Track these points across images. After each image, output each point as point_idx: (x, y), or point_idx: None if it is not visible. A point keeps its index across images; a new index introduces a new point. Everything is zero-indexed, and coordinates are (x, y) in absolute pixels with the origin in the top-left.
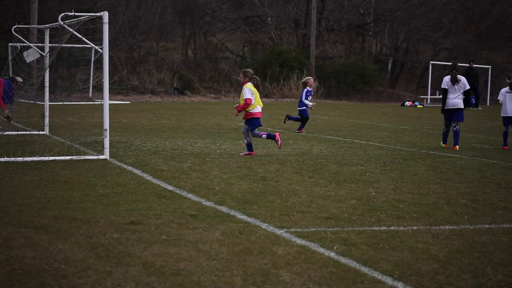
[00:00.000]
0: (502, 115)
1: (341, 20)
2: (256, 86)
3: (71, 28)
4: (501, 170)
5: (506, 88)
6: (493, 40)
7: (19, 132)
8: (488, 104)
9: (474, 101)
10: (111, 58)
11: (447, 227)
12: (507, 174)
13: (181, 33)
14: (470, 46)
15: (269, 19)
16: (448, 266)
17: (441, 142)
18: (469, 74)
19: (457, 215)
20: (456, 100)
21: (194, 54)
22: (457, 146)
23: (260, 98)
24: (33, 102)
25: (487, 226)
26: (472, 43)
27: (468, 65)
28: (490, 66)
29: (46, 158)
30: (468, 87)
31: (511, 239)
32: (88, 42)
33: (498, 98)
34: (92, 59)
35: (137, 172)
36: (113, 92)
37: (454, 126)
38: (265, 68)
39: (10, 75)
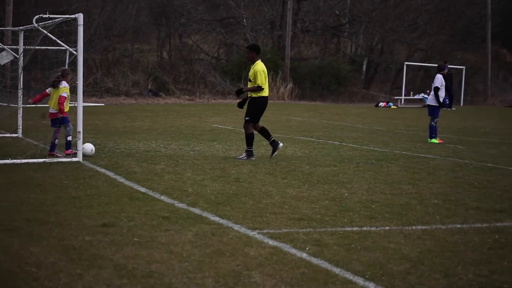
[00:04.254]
0: None
1: (316, 22)
2: None
3: (45, 30)
4: (474, 170)
5: None
6: (467, 40)
7: None
8: (461, 105)
9: (448, 102)
10: (85, 60)
11: (419, 227)
12: (479, 174)
13: (156, 34)
14: (445, 47)
15: (244, 20)
16: (419, 266)
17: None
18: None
19: (429, 215)
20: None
21: (169, 56)
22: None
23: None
24: (6, 104)
25: (459, 226)
26: (447, 44)
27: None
28: (464, 67)
29: (19, 161)
30: (434, 85)
31: (483, 239)
32: (63, 44)
33: None
34: (67, 61)
35: (110, 174)
36: (87, 95)
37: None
38: (240, 69)
39: None
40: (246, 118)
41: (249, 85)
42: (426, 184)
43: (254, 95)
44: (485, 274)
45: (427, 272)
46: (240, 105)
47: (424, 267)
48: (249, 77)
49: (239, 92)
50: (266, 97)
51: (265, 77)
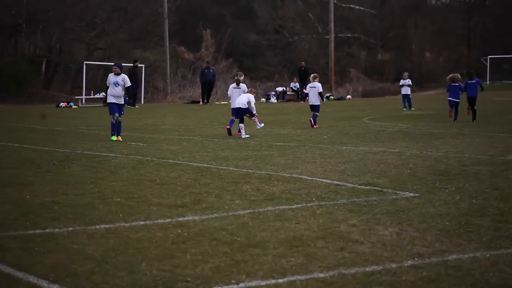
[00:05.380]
0: (232, 106)
1: None
2: None
3: None
4: (155, 167)
5: (234, 84)
6: (146, 39)
7: None
8: (142, 102)
9: (127, 99)
10: None
11: (102, 226)
12: (161, 170)
13: None
14: (124, 46)
15: None
16: (104, 265)
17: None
18: (135, 73)
19: (112, 213)
20: None
21: None
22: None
23: None
24: None
25: (142, 222)
26: (125, 42)
27: (133, 64)
28: (144, 65)
29: None
30: (128, 84)
31: (166, 234)
32: None
33: (228, 92)
34: None
35: None
36: None
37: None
38: None
39: None
40: None
41: None
42: (109, 182)
43: None
44: (168, 269)
45: (111, 271)
46: None
47: (108, 266)
48: None
49: None
50: None
51: None
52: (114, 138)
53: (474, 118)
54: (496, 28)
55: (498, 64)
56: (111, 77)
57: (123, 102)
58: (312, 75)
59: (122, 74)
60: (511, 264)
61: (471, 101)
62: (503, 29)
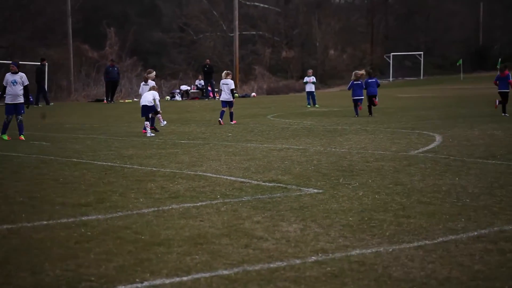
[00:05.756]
0: (141, 104)
1: None
2: None
3: None
4: (59, 166)
5: (143, 82)
6: (49, 37)
7: None
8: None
9: (32, 99)
10: None
11: (4, 227)
12: (64, 169)
13: None
14: (26, 44)
15: None
16: (6, 266)
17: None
18: (43, 71)
19: (15, 213)
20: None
21: None
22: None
23: None
24: None
25: (45, 222)
26: (28, 41)
27: (40, 63)
28: (47, 63)
29: None
30: (27, 82)
31: (69, 234)
32: None
33: (140, 91)
34: None
35: None
36: None
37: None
38: None
39: None
40: None
41: None
42: (11, 182)
43: None
44: (72, 269)
45: (13, 271)
46: None
47: (10, 266)
48: None
49: None
50: None
51: None
52: (5, 137)
53: (370, 113)
54: (398, 26)
55: (401, 61)
56: (9, 76)
57: (21, 101)
58: (224, 72)
59: (19, 72)
60: (413, 258)
61: (371, 98)
62: (405, 27)
